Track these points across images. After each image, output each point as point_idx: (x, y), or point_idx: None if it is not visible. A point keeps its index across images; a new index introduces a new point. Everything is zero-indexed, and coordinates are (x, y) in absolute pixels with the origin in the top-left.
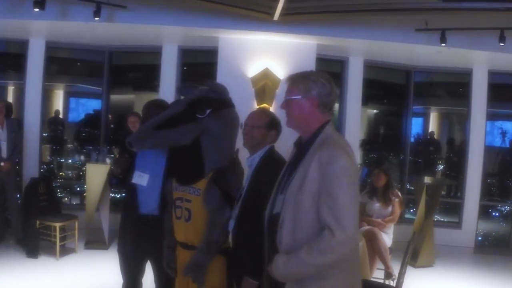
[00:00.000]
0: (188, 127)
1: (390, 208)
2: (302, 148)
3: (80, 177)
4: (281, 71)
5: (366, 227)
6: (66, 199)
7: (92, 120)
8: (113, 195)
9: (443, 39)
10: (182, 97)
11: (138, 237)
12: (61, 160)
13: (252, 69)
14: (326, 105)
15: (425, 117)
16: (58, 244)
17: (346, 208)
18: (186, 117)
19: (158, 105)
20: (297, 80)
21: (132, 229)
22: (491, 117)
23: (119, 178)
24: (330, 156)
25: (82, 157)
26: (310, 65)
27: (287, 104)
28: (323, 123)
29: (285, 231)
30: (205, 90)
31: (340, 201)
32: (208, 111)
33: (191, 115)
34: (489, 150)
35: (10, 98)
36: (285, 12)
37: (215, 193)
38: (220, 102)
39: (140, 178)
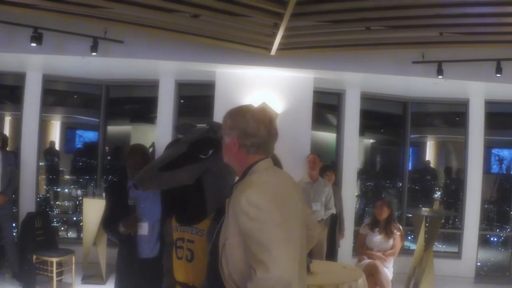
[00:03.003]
0: (192, 168)
1: (391, 241)
2: (231, 189)
3: (76, 208)
4: (279, 105)
5: (367, 261)
6: (62, 229)
7: (88, 151)
8: None
9: (440, 71)
10: (179, 136)
11: (138, 280)
12: (58, 190)
13: (250, 103)
14: (247, 146)
15: (422, 146)
16: (55, 279)
17: (264, 245)
18: (190, 158)
19: (139, 152)
20: (227, 115)
21: (134, 273)
22: (488, 144)
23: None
24: (238, 193)
25: (79, 192)
26: (307, 98)
27: (222, 141)
28: (252, 162)
29: (225, 274)
30: (205, 130)
31: (256, 239)
32: (210, 152)
33: (195, 156)
34: (487, 177)
35: (7, 129)
36: (283, 47)
37: None
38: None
39: (141, 229)
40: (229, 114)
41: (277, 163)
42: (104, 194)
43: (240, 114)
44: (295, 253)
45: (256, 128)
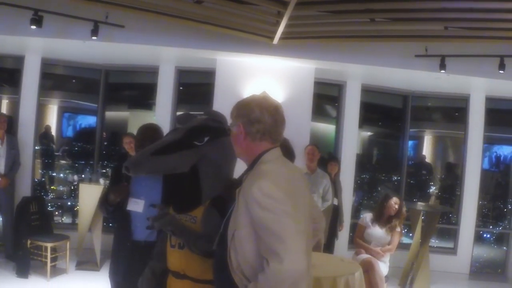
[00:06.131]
0: (186, 154)
1: (389, 237)
2: (240, 179)
3: (71, 193)
4: (279, 95)
5: (364, 256)
6: (56, 213)
7: (85, 136)
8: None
9: (442, 66)
10: (177, 125)
11: (132, 264)
12: (53, 174)
13: (250, 92)
14: (253, 133)
15: (419, 140)
16: (49, 264)
17: (279, 236)
18: (184, 144)
19: (154, 130)
20: (233, 107)
21: (126, 255)
22: (487, 140)
23: (117, 206)
24: (250, 183)
25: (75, 177)
26: (308, 88)
27: (231, 134)
28: (262, 151)
29: (233, 265)
30: (204, 118)
31: (270, 229)
32: (206, 139)
33: (189, 143)
34: (484, 173)
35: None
36: (285, 36)
37: (215, 217)
38: (219, 130)
39: (136, 205)
40: (235, 106)
41: (290, 152)
42: (110, 173)
43: (245, 103)
44: (306, 244)
45: (260, 114)
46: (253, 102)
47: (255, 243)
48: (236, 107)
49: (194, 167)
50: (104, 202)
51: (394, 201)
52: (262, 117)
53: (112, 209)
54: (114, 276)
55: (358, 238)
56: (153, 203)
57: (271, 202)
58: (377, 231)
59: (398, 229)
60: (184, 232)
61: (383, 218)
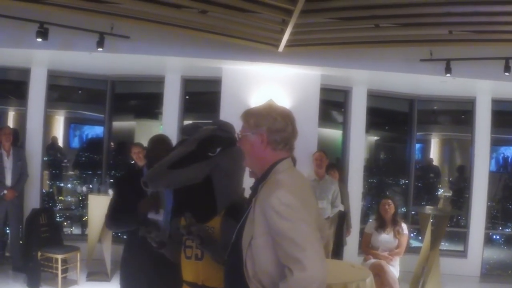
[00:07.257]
0: (201, 166)
1: (396, 240)
2: (255, 189)
3: (79, 204)
4: (285, 102)
5: (373, 260)
6: (65, 224)
7: (93, 147)
8: None
9: (448, 69)
10: (183, 136)
11: (152, 277)
12: (61, 185)
13: (256, 100)
14: (277, 142)
15: (426, 143)
16: (60, 276)
17: (299, 244)
18: (198, 156)
19: (164, 140)
20: (249, 114)
21: (145, 268)
22: (494, 142)
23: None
24: (267, 193)
25: (84, 188)
26: (314, 95)
27: (240, 141)
28: (276, 161)
29: (250, 274)
30: (212, 128)
31: (290, 238)
32: (218, 150)
33: (203, 154)
34: (492, 175)
35: (11, 124)
36: (290, 44)
37: (233, 226)
38: (229, 140)
39: (156, 214)
40: (251, 114)
41: (292, 160)
42: (113, 186)
43: (266, 111)
44: (322, 252)
45: (284, 123)
46: (274, 111)
47: (272, 252)
48: (254, 115)
49: (207, 177)
50: (135, 213)
51: (383, 203)
52: (286, 127)
53: (143, 217)
54: None
55: (365, 246)
56: (168, 212)
57: (290, 211)
58: (383, 237)
59: (403, 231)
60: (213, 242)
61: (384, 222)
